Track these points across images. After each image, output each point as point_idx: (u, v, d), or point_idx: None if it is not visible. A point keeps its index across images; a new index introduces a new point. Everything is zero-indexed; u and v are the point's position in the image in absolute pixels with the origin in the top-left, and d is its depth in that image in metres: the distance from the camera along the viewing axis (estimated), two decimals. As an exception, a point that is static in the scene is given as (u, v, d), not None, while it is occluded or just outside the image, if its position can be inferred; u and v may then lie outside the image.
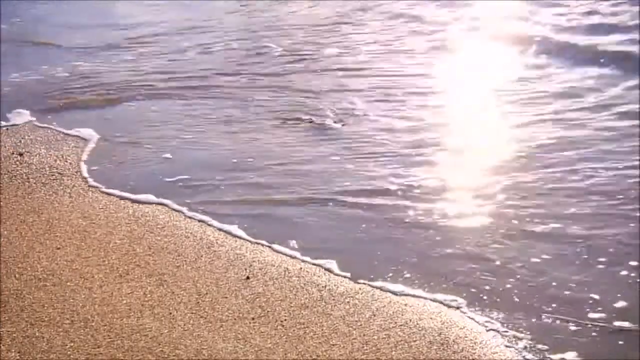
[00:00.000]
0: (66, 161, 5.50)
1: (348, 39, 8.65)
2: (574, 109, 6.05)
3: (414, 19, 9.18)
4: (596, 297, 3.63)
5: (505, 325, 3.47)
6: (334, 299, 3.70)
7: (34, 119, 6.39)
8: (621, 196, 4.58)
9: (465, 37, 8.49)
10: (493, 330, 3.44)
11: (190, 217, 4.61)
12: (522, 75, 7.00)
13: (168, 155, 5.59)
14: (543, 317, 3.51)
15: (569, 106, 6.11)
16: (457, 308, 3.61)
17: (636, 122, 5.67)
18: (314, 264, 4.04)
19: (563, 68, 7.14)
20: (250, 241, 4.29)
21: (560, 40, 7.84)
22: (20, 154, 5.58)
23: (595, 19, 8.44)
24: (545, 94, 6.45)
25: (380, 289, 3.78)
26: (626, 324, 3.42)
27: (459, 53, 7.95)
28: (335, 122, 6.03)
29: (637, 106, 5.94)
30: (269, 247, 4.23)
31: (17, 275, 3.92)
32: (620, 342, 3.32)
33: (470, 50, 8.06)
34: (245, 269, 3.99)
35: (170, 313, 3.58)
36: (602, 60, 7.11)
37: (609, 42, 7.57)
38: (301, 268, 4.00)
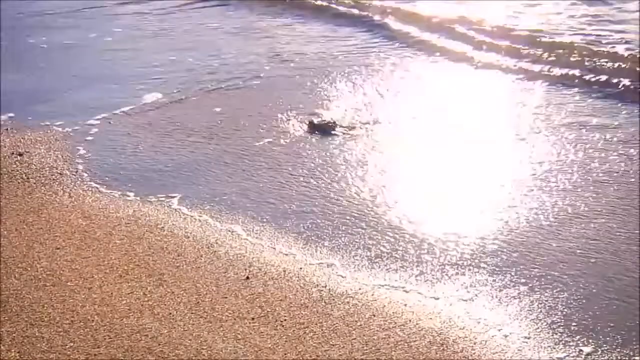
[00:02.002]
0: (66, 161, 5.50)
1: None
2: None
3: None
4: (597, 296, 3.64)
5: (505, 325, 3.47)
6: (333, 299, 3.70)
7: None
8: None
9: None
10: (493, 330, 3.44)
11: (190, 217, 4.61)
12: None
13: (169, 156, 5.59)
14: (544, 316, 3.51)
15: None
16: (463, 300, 3.62)
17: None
18: (313, 264, 4.04)
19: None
20: (250, 241, 4.29)
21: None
22: (20, 154, 5.58)
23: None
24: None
25: (381, 287, 3.79)
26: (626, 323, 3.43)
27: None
28: (339, 125, 6.00)
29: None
30: (269, 247, 4.23)
31: (17, 275, 3.92)
32: (620, 342, 3.32)
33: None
34: (245, 269, 3.98)
35: (170, 313, 3.58)
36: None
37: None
38: (301, 268, 4.00)
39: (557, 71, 6.98)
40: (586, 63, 6.99)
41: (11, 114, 6.48)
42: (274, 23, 9.66)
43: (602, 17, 8.42)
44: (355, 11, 9.66)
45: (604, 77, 6.65)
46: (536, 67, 7.14)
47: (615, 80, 6.56)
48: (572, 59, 7.12)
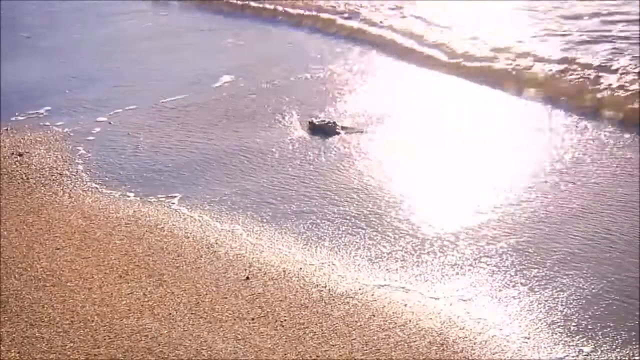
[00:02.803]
0: (66, 161, 5.50)
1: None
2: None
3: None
4: (597, 296, 3.64)
5: (505, 325, 3.47)
6: (333, 299, 3.69)
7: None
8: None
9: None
10: (493, 330, 3.44)
11: (190, 217, 4.61)
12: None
13: (169, 156, 5.59)
14: (544, 316, 3.51)
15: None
16: (463, 300, 3.62)
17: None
18: (313, 264, 4.04)
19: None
20: (250, 241, 4.29)
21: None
22: (20, 154, 5.58)
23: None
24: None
25: (381, 287, 3.79)
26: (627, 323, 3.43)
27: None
28: (339, 125, 5.98)
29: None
30: (269, 247, 4.23)
31: (17, 276, 3.92)
32: (620, 342, 3.32)
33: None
34: (245, 270, 3.98)
35: (170, 313, 3.58)
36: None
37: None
38: (301, 268, 4.00)
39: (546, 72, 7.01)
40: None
41: (48, 107, 6.61)
42: (267, 29, 9.71)
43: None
44: (348, 21, 9.66)
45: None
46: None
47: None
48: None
